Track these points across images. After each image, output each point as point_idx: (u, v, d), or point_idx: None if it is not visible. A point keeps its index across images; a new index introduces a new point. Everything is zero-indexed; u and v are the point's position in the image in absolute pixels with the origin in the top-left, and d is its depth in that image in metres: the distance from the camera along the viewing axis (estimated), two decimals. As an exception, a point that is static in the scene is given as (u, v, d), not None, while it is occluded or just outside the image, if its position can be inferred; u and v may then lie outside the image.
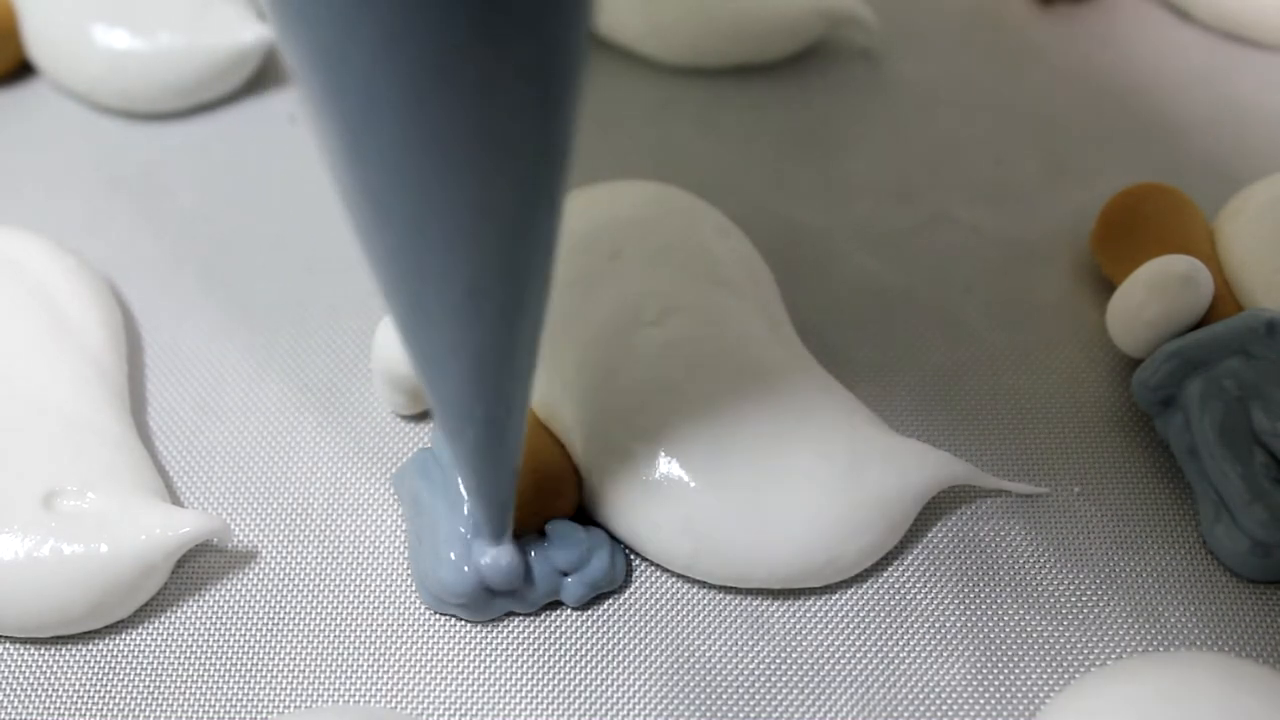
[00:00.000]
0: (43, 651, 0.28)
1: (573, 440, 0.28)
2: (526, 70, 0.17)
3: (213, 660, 0.27)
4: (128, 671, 0.27)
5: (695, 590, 0.28)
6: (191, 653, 0.27)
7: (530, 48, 0.17)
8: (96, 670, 0.27)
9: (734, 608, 0.28)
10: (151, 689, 0.27)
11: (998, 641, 0.27)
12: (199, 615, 0.28)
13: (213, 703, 0.27)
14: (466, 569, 0.26)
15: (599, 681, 0.27)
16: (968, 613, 0.28)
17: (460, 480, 0.26)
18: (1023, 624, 0.28)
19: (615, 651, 0.27)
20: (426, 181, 0.18)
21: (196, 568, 0.29)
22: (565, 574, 0.27)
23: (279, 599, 0.28)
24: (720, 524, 0.27)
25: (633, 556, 0.29)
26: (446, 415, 0.23)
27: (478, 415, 0.23)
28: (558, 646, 0.27)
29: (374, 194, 0.19)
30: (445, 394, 0.23)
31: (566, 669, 0.27)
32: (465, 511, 0.27)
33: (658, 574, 0.28)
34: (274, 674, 0.27)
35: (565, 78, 0.18)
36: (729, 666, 0.27)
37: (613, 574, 0.28)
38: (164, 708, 0.27)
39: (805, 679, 0.27)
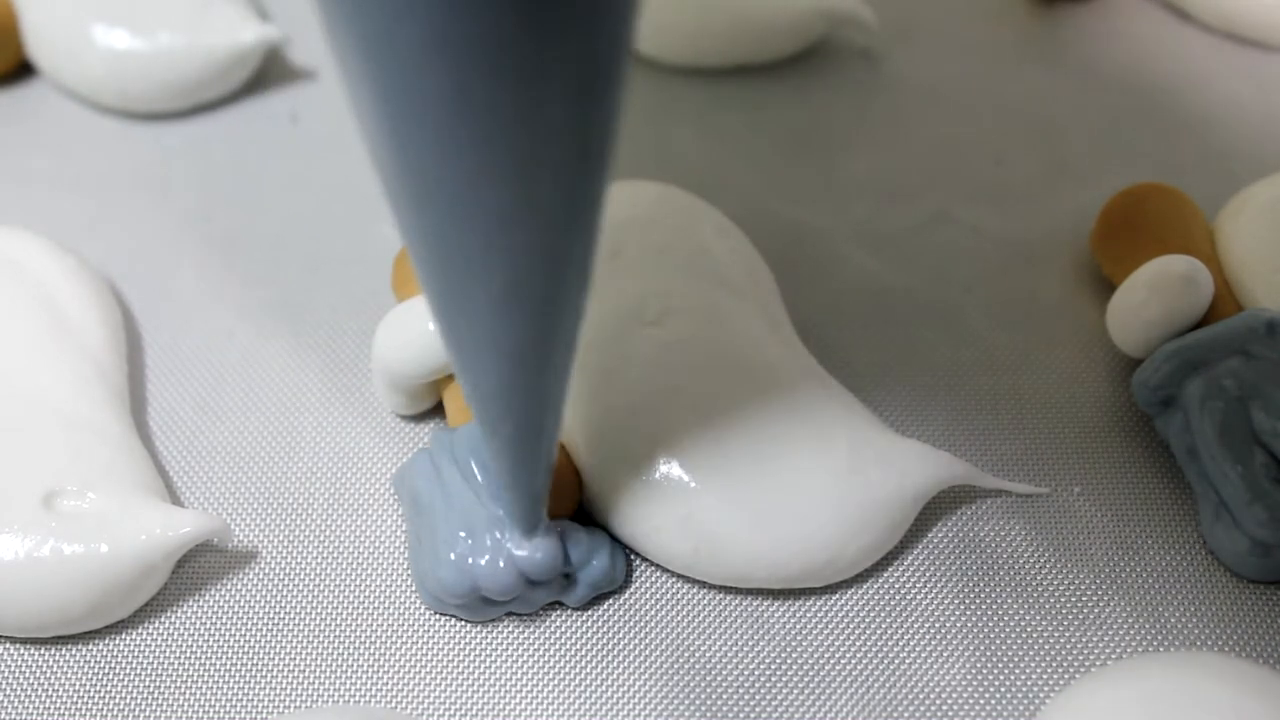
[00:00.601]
0: (43, 651, 0.28)
1: (573, 440, 0.28)
2: (570, 65, 0.18)
3: (213, 660, 0.27)
4: (128, 671, 0.27)
5: (695, 590, 0.28)
6: (191, 653, 0.27)
7: (574, 43, 0.17)
8: (96, 670, 0.27)
9: (734, 608, 0.28)
10: (151, 689, 0.27)
11: (998, 641, 0.27)
12: (199, 615, 0.28)
13: (213, 703, 0.27)
14: (502, 564, 0.26)
15: (599, 681, 0.27)
16: (968, 613, 0.28)
17: (495, 472, 0.26)
18: (1023, 624, 0.28)
19: (615, 651, 0.27)
20: (469, 172, 0.19)
21: (196, 568, 0.29)
22: (566, 574, 0.27)
23: (279, 599, 0.28)
24: (720, 524, 0.27)
25: (633, 556, 0.29)
26: (484, 408, 0.23)
27: (515, 409, 0.23)
28: (558, 646, 0.27)
29: (417, 185, 0.19)
30: (483, 388, 0.23)
31: (566, 669, 0.27)
32: (490, 505, 0.27)
33: (658, 574, 0.28)
34: (274, 674, 0.27)
35: (608, 73, 0.18)
36: (729, 666, 0.27)
37: (613, 574, 0.28)
38: (164, 708, 0.27)
39: (805, 679, 0.27)
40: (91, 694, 0.27)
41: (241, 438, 0.31)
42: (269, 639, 0.28)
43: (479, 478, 0.27)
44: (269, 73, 0.39)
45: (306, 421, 0.31)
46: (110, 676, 0.27)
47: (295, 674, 0.27)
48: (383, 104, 0.18)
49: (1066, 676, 0.27)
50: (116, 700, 0.27)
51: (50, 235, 0.33)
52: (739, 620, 0.28)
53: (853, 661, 0.27)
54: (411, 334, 0.29)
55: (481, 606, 0.27)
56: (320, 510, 0.30)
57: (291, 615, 0.28)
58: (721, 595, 0.28)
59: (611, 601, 0.28)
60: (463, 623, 0.28)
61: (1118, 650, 0.27)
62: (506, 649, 0.27)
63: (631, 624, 0.28)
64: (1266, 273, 0.30)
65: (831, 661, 0.27)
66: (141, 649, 0.28)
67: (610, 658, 0.27)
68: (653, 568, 0.29)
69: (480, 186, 0.19)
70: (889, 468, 0.28)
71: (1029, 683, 0.27)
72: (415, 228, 0.20)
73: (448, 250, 0.20)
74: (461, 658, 0.27)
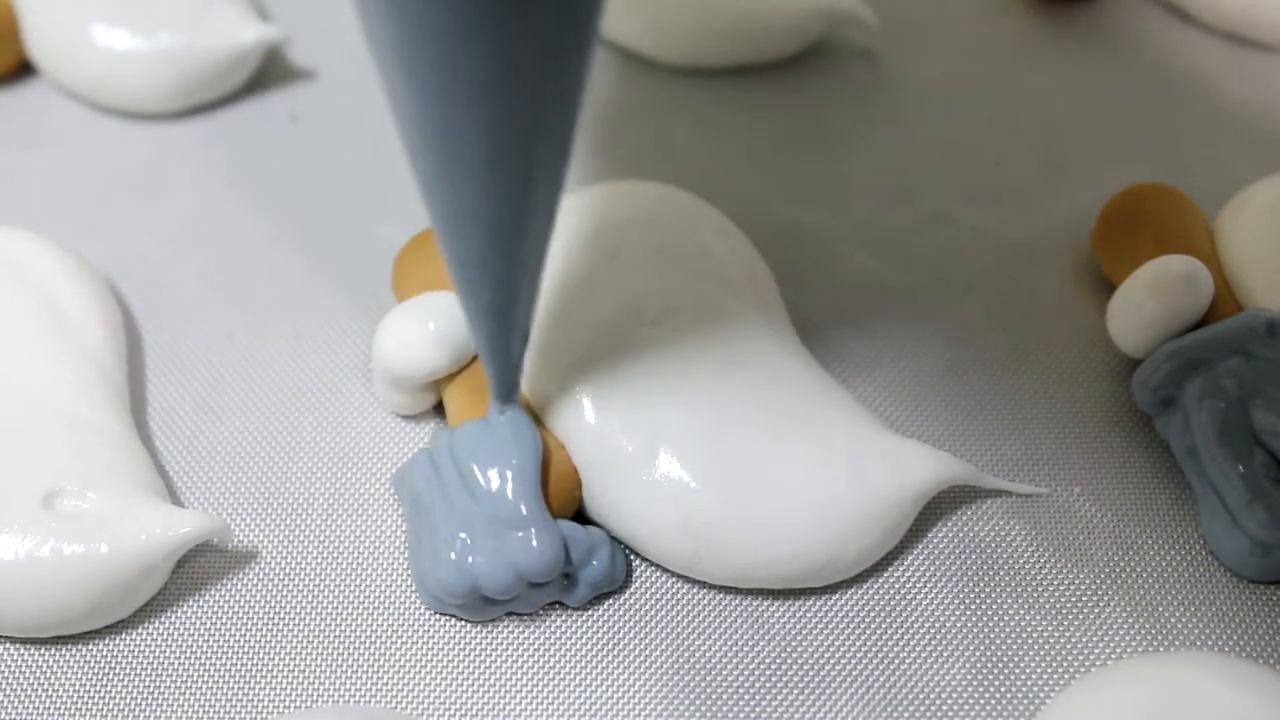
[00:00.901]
0: (43, 651, 0.28)
1: (573, 440, 0.28)
2: None
3: (213, 660, 0.27)
4: (128, 671, 0.27)
5: (695, 590, 0.28)
6: (191, 653, 0.27)
7: None
8: (96, 670, 0.27)
9: (734, 608, 0.28)
10: (151, 689, 0.27)
11: (998, 641, 0.27)
12: (199, 615, 0.28)
13: (213, 703, 0.27)
14: (504, 565, 0.26)
15: (599, 681, 0.27)
16: (968, 613, 0.28)
17: (473, 340, 0.27)
18: (1023, 624, 0.28)
19: (615, 651, 0.27)
20: (452, 36, 0.19)
21: (196, 568, 0.29)
22: (566, 574, 0.27)
23: (279, 599, 0.28)
24: (720, 524, 0.27)
25: (633, 556, 0.29)
26: (463, 273, 0.24)
27: (492, 273, 0.24)
28: (558, 646, 0.27)
29: (403, 50, 0.20)
30: (463, 253, 0.24)
31: (566, 669, 0.27)
32: (488, 505, 0.27)
33: (658, 574, 0.28)
34: (274, 674, 0.27)
35: None
36: (729, 666, 0.27)
37: (613, 574, 0.28)
38: (164, 708, 0.27)
39: (805, 679, 0.27)
40: (91, 694, 0.27)
41: (241, 438, 0.31)
42: (269, 639, 0.28)
43: (479, 477, 0.27)
44: (269, 73, 0.39)
45: (306, 421, 0.31)
46: (110, 676, 0.27)
47: (295, 674, 0.27)
48: None
49: (1066, 676, 0.27)
50: (116, 700, 0.27)
51: (50, 235, 0.33)
52: (739, 620, 0.28)
53: (853, 661, 0.27)
54: (411, 334, 0.29)
55: (481, 606, 0.27)
56: (320, 510, 0.30)
57: (291, 615, 0.28)
58: (721, 595, 0.28)
59: (611, 601, 0.28)
60: (463, 623, 0.28)
61: (1118, 650, 0.27)
62: (506, 649, 0.27)
63: (631, 624, 0.28)
64: (1266, 273, 0.30)
65: (831, 661, 0.27)
66: (141, 649, 0.28)
67: (610, 658, 0.27)
68: (653, 568, 0.29)
69: (461, 53, 0.19)
70: (889, 468, 0.28)
71: (1029, 683, 0.27)
72: (402, 96, 0.21)
73: (431, 118, 0.21)
74: (461, 658, 0.27)
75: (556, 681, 0.27)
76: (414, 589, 0.28)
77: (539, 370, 0.29)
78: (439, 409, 0.31)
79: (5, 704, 0.27)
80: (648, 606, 0.28)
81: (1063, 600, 0.28)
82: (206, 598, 0.28)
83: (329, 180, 0.36)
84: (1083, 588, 0.28)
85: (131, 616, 0.28)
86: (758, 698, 0.27)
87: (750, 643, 0.28)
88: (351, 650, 0.28)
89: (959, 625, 0.28)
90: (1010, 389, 0.31)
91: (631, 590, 0.28)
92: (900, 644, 0.28)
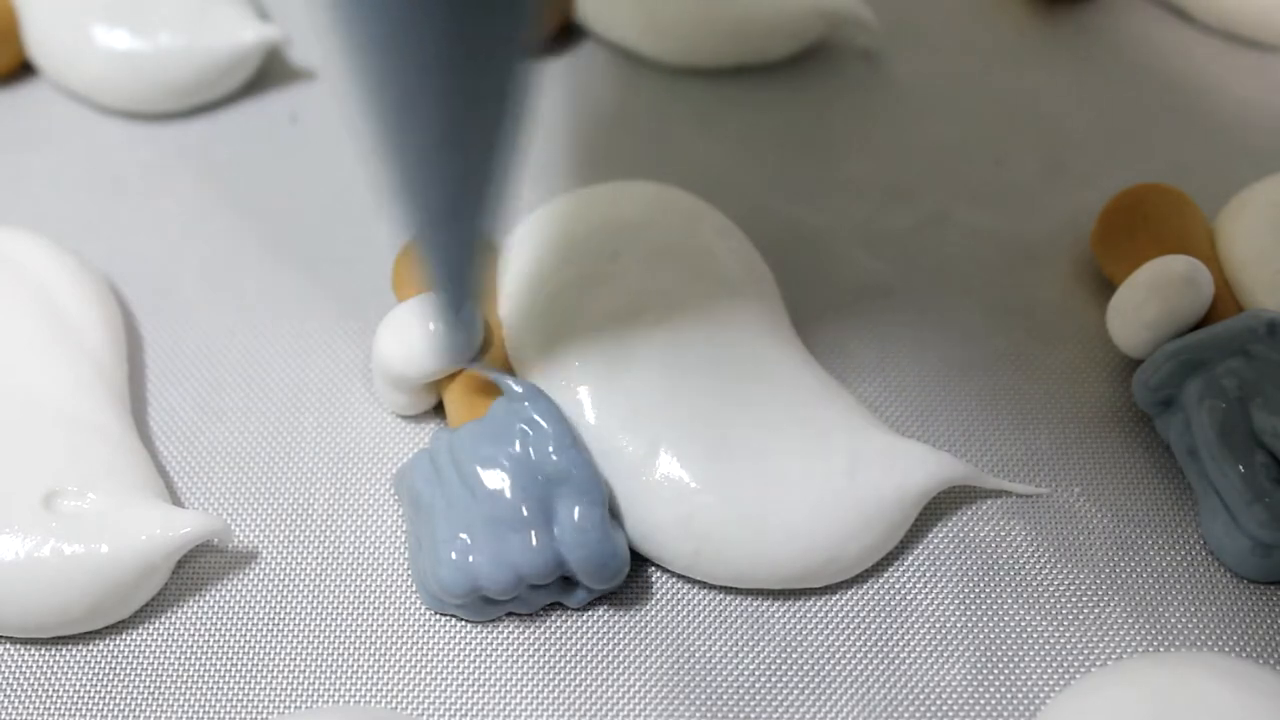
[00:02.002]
0: (43, 651, 0.28)
1: (573, 440, 0.28)
2: None
3: (213, 660, 0.27)
4: (128, 672, 0.27)
5: (695, 590, 0.28)
6: (191, 653, 0.27)
7: None
8: (96, 670, 0.27)
9: (734, 608, 0.28)
10: (151, 689, 0.27)
11: (998, 641, 0.27)
12: (199, 615, 0.28)
13: (213, 703, 0.27)
14: (504, 565, 0.26)
15: (599, 681, 0.27)
16: (968, 613, 0.28)
17: (424, 267, 0.25)
18: (1023, 624, 0.28)
19: (615, 651, 0.27)
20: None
21: (196, 568, 0.29)
22: (566, 576, 0.27)
23: (279, 599, 0.28)
24: (720, 524, 0.27)
25: (632, 556, 0.29)
26: (410, 170, 0.22)
27: (442, 166, 0.22)
28: (557, 646, 0.27)
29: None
30: (410, 140, 0.22)
31: (566, 669, 0.27)
32: (487, 505, 0.27)
33: (658, 574, 0.28)
34: (274, 674, 0.27)
35: None
36: (729, 666, 0.27)
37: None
38: (164, 708, 0.27)
39: (805, 679, 0.27)
40: (91, 694, 0.27)
41: (241, 438, 0.31)
42: (269, 639, 0.28)
43: (479, 478, 0.27)
44: (269, 73, 0.39)
45: (306, 421, 0.31)
46: (110, 677, 0.27)
47: (295, 674, 0.27)
48: None
49: (1066, 676, 0.27)
50: (116, 700, 0.27)
51: (50, 235, 0.33)
52: (739, 620, 0.28)
53: (853, 661, 0.27)
54: (412, 334, 0.29)
55: (481, 606, 0.27)
56: (320, 510, 0.30)
57: (291, 615, 0.28)
58: (721, 595, 0.28)
59: (611, 601, 0.28)
60: (463, 623, 0.28)
61: (1118, 650, 0.27)
62: (506, 649, 0.27)
63: (631, 624, 0.28)
64: (1266, 273, 0.30)
65: (831, 661, 0.27)
66: (141, 649, 0.28)
67: (610, 658, 0.27)
68: (653, 568, 0.29)
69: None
70: (889, 468, 0.28)
71: (1029, 683, 0.27)
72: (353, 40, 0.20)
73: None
74: (461, 658, 0.27)
75: (556, 681, 0.27)
76: (414, 589, 0.28)
77: (540, 371, 0.29)
78: (439, 409, 0.31)
79: (5, 704, 0.27)
80: (648, 606, 0.28)
81: (1063, 600, 0.28)
82: (206, 598, 0.28)
83: (329, 180, 0.36)
84: (1083, 588, 0.28)
85: (131, 617, 0.28)
86: (758, 698, 0.27)
87: (750, 643, 0.28)
88: (351, 650, 0.28)
89: (959, 625, 0.28)
90: (1010, 389, 0.31)
91: (631, 590, 0.28)
92: (900, 644, 0.28)
